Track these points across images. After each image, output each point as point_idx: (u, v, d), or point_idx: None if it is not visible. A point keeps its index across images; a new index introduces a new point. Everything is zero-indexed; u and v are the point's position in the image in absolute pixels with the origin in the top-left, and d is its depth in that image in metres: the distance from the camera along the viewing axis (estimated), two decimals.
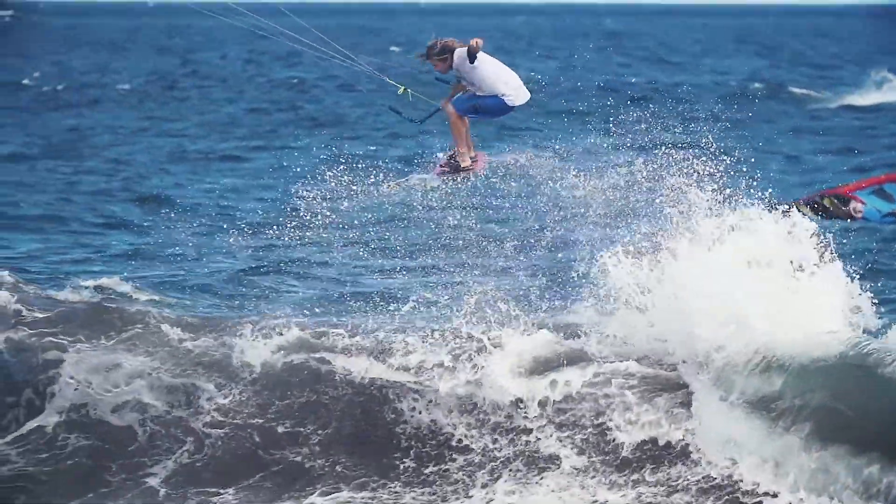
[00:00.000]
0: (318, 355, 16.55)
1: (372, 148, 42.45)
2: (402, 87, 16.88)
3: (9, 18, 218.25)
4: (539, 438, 15.38)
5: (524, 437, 15.44)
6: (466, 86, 16.93)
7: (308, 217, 18.06)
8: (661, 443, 14.99)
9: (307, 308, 18.87)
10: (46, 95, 65.18)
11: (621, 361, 15.83)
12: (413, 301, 18.30)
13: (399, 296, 19.15)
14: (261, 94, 66.81)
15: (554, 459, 15.19)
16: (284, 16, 17.27)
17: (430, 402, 15.79)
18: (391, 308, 18.19)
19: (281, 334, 16.76)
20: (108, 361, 16.53)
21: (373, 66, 17.10)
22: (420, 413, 15.80)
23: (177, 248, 23.85)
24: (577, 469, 15.01)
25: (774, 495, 13.93)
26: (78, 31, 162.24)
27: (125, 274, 21.33)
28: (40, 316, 17.62)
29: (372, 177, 17.38)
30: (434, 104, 17.11)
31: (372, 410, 15.99)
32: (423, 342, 16.37)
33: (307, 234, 18.44)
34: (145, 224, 27.99)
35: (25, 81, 71.97)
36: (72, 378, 16.38)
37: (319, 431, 15.94)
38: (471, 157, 17.32)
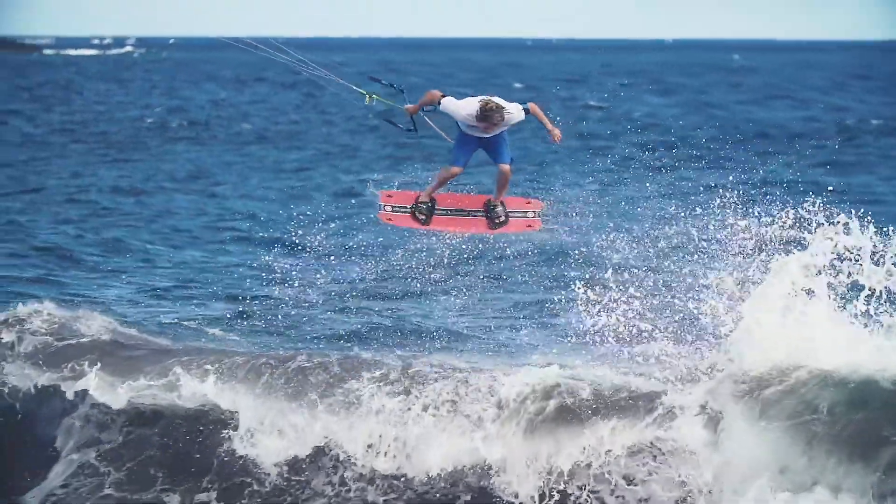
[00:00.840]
0: None
1: None
2: (368, 95, 16.88)
3: (137, 54, 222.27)
4: None
5: None
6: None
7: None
8: None
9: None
10: (169, 131, 66.03)
11: None
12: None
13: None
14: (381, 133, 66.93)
15: None
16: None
17: None
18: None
19: None
20: None
21: (333, 72, 16.99)
22: None
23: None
24: None
25: None
26: (207, 66, 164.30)
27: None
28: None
29: None
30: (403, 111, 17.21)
31: None
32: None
33: None
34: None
35: (149, 120, 72.98)
36: None
37: None
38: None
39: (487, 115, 16.66)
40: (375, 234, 28.92)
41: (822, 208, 15.58)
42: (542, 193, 18.69)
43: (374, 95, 16.85)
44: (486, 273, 24.49)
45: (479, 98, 16.84)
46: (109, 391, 17.03)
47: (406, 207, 17.32)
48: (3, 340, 18.23)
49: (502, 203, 17.57)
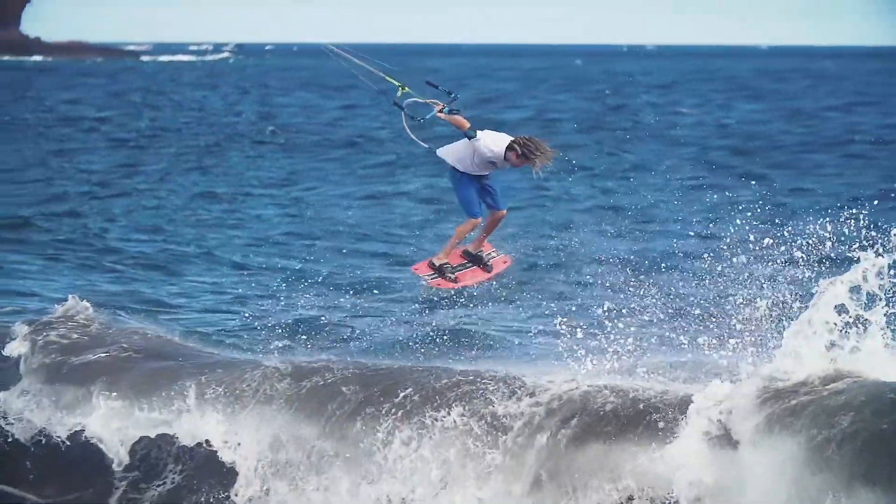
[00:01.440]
0: None
1: None
2: (401, 87, 16.12)
3: (233, 60, 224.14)
4: None
5: None
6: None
7: None
8: None
9: None
10: (259, 136, 66.38)
11: None
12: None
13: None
14: None
15: None
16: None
17: None
18: None
19: None
20: None
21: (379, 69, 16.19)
22: None
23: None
24: None
25: None
26: (301, 72, 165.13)
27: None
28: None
29: None
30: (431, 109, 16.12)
31: None
32: None
33: None
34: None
35: (238, 125, 73.47)
36: None
37: None
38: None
39: (533, 152, 15.85)
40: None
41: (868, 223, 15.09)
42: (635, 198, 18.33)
43: (406, 88, 16.07)
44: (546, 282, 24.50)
45: (512, 138, 15.94)
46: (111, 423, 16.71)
47: (434, 275, 16.97)
48: (15, 353, 17.99)
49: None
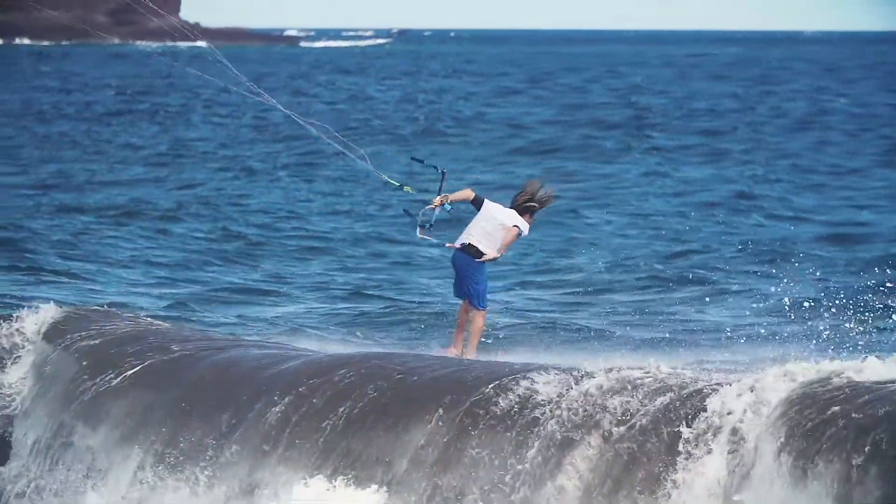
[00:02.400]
0: None
1: None
2: (404, 187, 15.39)
3: (387, 46, 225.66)
4: None
5: None
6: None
7: None
8: None
9: None
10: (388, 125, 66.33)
11: None
12: None
13: None
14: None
15: None
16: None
17: None
18: None
19: None
20: None
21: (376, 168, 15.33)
22: None
23: None
24: None
25: None
26: (452, 58, 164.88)
27: None
28: None
29: None
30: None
31: None
32: None
33: None
34: None
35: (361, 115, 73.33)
36: None
37: None
38: None
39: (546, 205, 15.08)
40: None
41: None
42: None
43: (408, 188, 15.39)
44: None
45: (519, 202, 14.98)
46: None
47: None
48: None
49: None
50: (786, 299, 19.19)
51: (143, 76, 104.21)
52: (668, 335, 18.74)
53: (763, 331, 17.39)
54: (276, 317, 21.71)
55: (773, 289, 21.67)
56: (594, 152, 53.35)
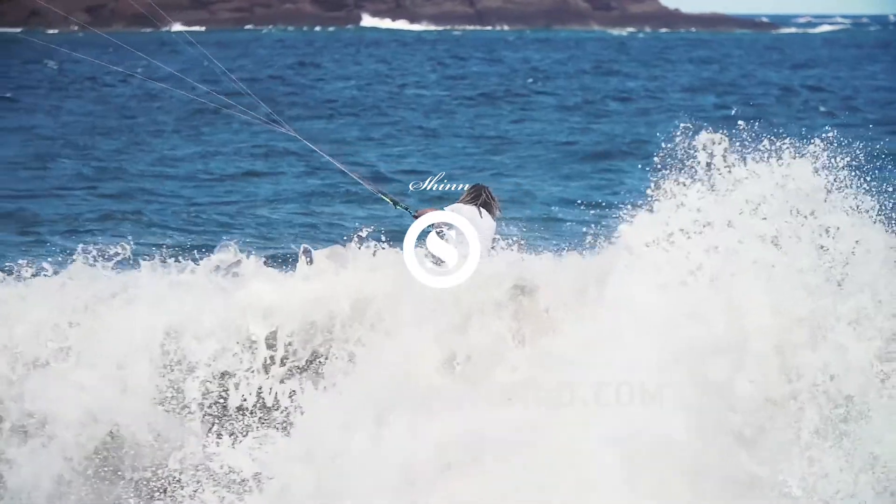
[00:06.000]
0: None
1: None
2: (394, 203, 15.56)
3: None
4: None
5: None
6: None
7: None
8: None
9: None
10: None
11: None
12: None
13: None
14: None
15: None
16: None
17: None
18: None
19: None
20: None
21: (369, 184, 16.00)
22: None
23: None
24: None
25: None
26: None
27: None
28: None
29: None
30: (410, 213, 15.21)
31: None
32: None
33: None
34: None
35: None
36: None
37: None
38: None
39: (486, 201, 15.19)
40: None
41: None
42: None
43: (399, 205, 15.53)
44: None
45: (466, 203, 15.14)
46: None
47: None
48: None
49: None
50: None
51: None
52: None
53: None
54: None
55: None
56: None
